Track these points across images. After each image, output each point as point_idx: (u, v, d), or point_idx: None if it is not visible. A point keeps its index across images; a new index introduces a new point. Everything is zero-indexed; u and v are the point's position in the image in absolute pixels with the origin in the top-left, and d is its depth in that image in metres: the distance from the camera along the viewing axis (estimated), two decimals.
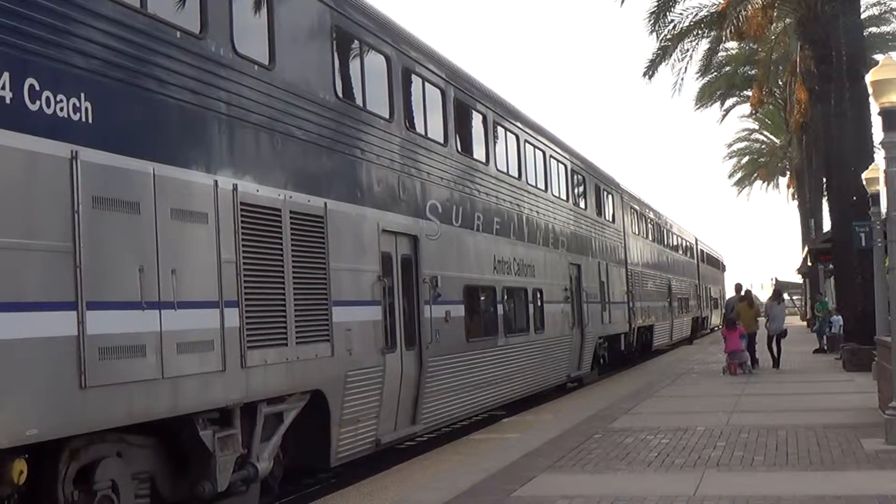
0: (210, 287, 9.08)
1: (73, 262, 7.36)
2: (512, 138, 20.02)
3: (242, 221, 9.64)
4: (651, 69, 34.67)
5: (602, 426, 15.37)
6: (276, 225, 10.33)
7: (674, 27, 33.69)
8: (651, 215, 40.23)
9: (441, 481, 11.17)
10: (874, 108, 15.15)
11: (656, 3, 32.20)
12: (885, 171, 13.32)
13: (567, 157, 24.98)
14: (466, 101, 17.19)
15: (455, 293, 15.70)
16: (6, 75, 6.86)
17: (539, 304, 20.89)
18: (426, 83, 15.36)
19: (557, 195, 23.59)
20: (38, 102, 7.15)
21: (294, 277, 10.55)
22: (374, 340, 12.60)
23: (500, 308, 18.19)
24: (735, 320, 26.56)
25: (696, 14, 33.88)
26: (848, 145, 26.25)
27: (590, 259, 26.36)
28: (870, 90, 12.92)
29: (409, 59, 14.55)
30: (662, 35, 33.46)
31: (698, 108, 55.68)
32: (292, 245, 10.57)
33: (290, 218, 10.58)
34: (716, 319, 67.64)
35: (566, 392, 23.51)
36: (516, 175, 20.11)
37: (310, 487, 12.43)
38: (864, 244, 22.34)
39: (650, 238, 39.43)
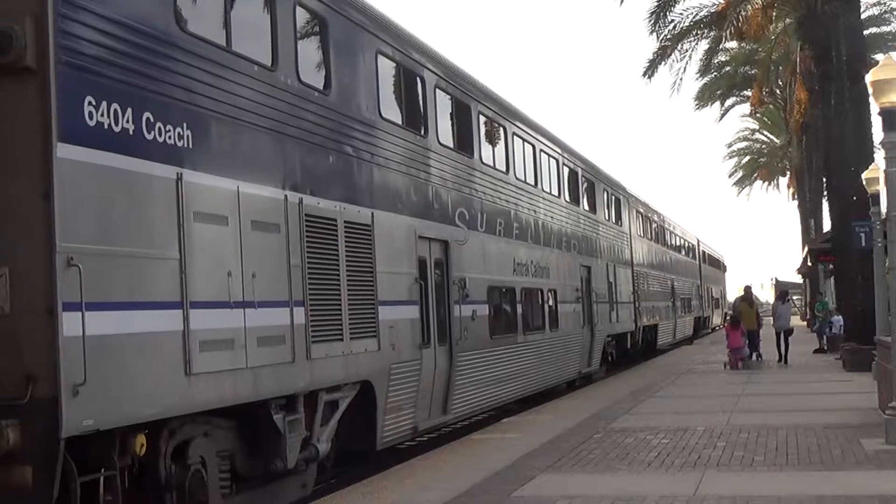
0: (282, 289, 10.35)
1: (179, 268, 8.64)
2: (529, 148, 21.31)
3: (307, 231, 10.91)
4: (651, 69, 34.89)
5: (602, 426, 15.51)
6: (333, 233, 11.62)
7: (674, 27, 33.87)
8: (655, 218, 41.51)
9: (441, 481, 11.28)
10: (874, 108, 15.17)
11: (656, 3, 32.46)
12: (885, 171, 13.38)
13: (578, 163, 26.29)
14: (489, 114, 18.49)
15: (480, 293, 16.98)
16: (129, 110, 8.14)
17: (553, 303, 22.16)
18: (455, 100, 16.65)
19: (569, 200, 24.89)
20: (152, 132, 8.43)
21: (348, 280, 11.84)
22: (412, 337, 13.88)
23: (519, 307, 19.47)
24: (738, 319, 28.07)
25: (696, 14, 34.10)
26: (848, 145, 26.54)
27: (599, 261, 27.65)
28: (870, 90, 12.99)
29: (441, 79, 15.85)
30: (662, 35, 33.65)
31: (698, 107, 56.19)
32: (346, 251, 11.87)
33: (345, 227, 11.88)
34: (717, 319, 68.94)
35: (576, 388, 24.71)
36: (533, 183, 21.40)
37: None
38: (864, 244, 22.44)
39: (654, 240, 40.71)
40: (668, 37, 33.96)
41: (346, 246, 11.88)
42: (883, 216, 17.37)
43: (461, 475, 11.50)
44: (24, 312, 7.27)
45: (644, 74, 35.01)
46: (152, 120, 8.43)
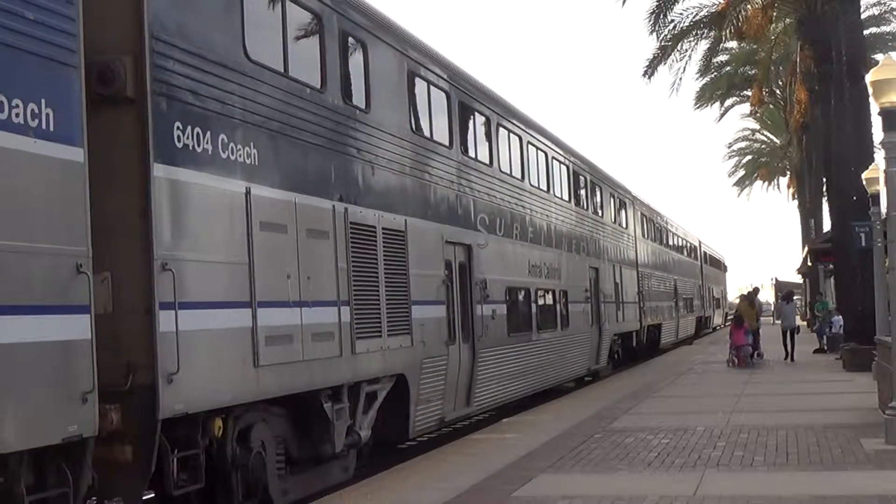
0: (331, 289, 11.46)
1: (248, 271, 9.74)
2: (542, 156, 22.44)
3: (351, 237, 12.02)
4: (651, 69, 34.97)
5: (602, 426, 15.55)
6: (373, 239, 12.74)
7: (674, 27, 33.92)
8: (659, 220, 42.63)
9: (441, 481, 11.25)
10: (874, 108, 14.96)
11: (656, 3, 32.52)
12: (885, 171, 13.33)
13: (586, 168, 27.43)
14: (507, 125, 19.63)
15: (499, 294, 18.10)
16: (208, 133, 9.26)
17: (564, 303, 23.28)
18: (475, 113, 17.78)
19: (578, 204, 26.04)
20: (226, 152, 9.54)
21: (385, 281, 12.95)
22: (440, 334, 15.00)
23: (533, 307, 20.59)
24: (743, 318, 29.27)
25: (696, 14, 34.11)
26: (848, 145, 26.49)
27: (606, 263, 28.78)
28: (870, 90, 12.94)
29: (463, 93, 16.97)
30: (662, 35, 33.68)
31: (698, 107, 56.16)
32: (383, 255, 12.98)
33: (382, 233, 12.99)
34: (718, 319, 70.00)
35: (585, 385, 25.78)
36: (545, 188, 22.53)
37: None
38: (864, 244, 22.37)
39: (658, 242, 41.83)
40: (668, 37, 34.08)
41: (383, 250, 12.98)
42: (883, 216, 17.28)
43: (461, 475, 11.53)
44: (124, 311, 8.35)
45: (644, 74, 35.18)
46: (226, 141, 9.55)
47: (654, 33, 33.30)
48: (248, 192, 9.84)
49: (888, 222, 13.80)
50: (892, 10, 44.74)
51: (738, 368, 27.87)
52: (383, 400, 13.31)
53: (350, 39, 12.63)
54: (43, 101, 7.14)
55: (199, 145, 9.12)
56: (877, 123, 16.98)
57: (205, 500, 9.84)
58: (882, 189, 16.27)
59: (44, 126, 7.13)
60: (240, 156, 9.78)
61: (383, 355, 12.83)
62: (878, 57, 25.57)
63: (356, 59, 12.85)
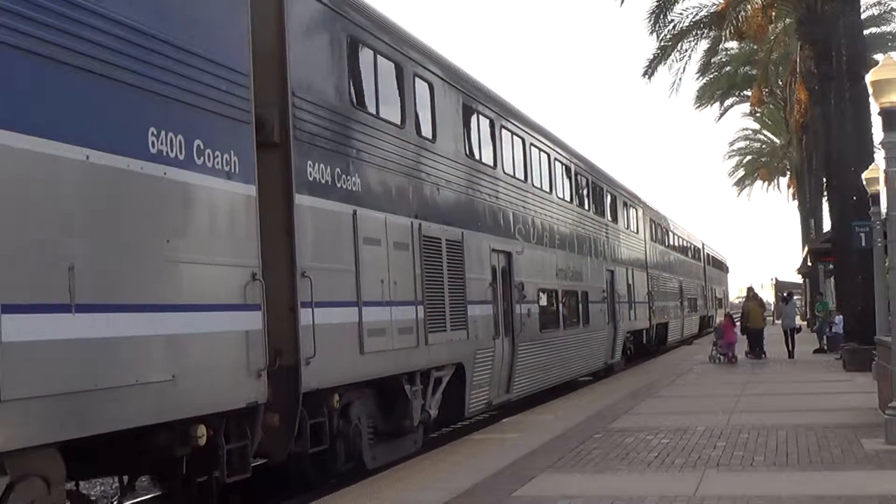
0: (410, 292, 13.87)
1: (355, 277, 12.15)
2: (565, 170, 24.87)
3: (423, 248, 14.44)
4: (651, 69, 35.63)
5: (602, 426, 15.70)
6: (438, 249, 15.15)
7: (674, 27, 34.38)
8: (666, 224, 45.03)
9: (441, 481, 11.36)
10: (874, 108, 15.03)
11: (656, 3, 33.00)
12: (885, 171, 13.41)
13: (602, 180, 29.88)
14: (538, 144, 22.05)
15: (533, 294, 20.52)
16: (328, 167, 11.68)
17: (585, 303, 25.71)
18: (513, 136, 20.20)
19: (596, 213, 28.47)
20: (340, 182, 11.96)
21: (448, 284, 15.37)
22: (488, 329, 17.41)
23: (560, 307, 23.01)
24: (732, 317, 31.49)
25: (696, 14, 34.57)
26: (848, 145, 26.69)
27: (620, 265, 31.22)
28: (870, 90, 13.00)
29: (504, 119, 19.40)
30: (662, 35, 34.17)
31: (698, 107, 56.84)
32: (447, 262, 15.39)
33: (445, 244, 15.41)
34: (720, 318, 72.06)
35: (600, 379, 28.03)
36: (569, 199, 24.95)
37: (308, 489, 12.70)
38: (864, 244, 22.46)
39: (665, 245, 44.22)
40: (668, 37, 34.58)
41: (447, 259, 15.41)
42: (883, 216, 17.33)
43: (461, 475, 11.68)
44: (274, 309, 10.68)
45: (644, 74, 35.84)
46: (339, 173, 11.97)
47: (654, 33, 33.97)
48: (354, 214, 12.24)
49: (888, 222, 13.92)
50: (892, 10, 45.31)
51: (727, 366, 29.74)
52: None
53: (420, 82, 15.04)
54: (231, 150, 9.54)
55: (322, 178, 11.53)
56: (877, 123, 16.89)
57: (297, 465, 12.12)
58: (882, 189, 16.23)
59: (232, 170, 9.54)
60: (349, 184, 12.19)
61: (448, 346, 15.25)
62: (878, 57, 25.29)
63: (425, 98, 15.27)
